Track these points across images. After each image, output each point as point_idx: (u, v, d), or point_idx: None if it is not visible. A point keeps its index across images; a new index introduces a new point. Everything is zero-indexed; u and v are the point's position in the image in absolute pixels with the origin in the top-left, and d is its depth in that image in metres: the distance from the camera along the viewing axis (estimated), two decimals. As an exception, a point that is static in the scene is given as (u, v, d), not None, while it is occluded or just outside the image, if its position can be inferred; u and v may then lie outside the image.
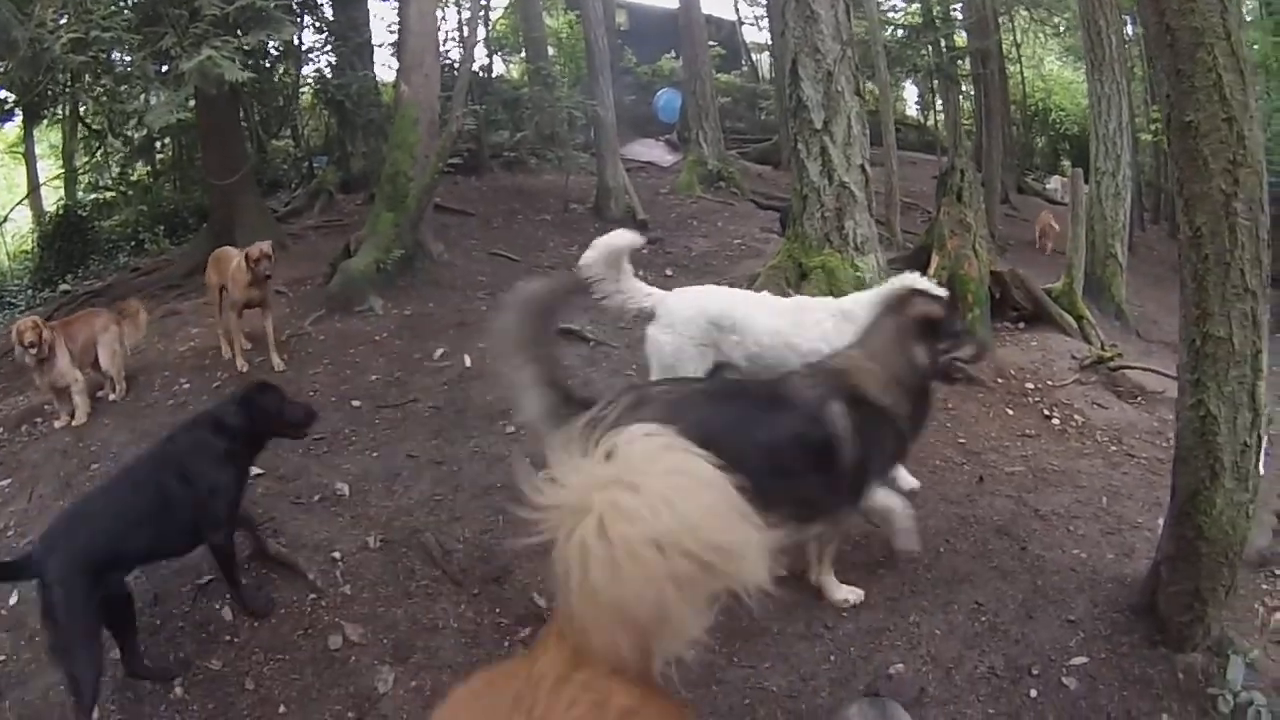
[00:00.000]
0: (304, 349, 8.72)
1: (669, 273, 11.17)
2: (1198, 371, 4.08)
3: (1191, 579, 4.27)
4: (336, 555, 5.44)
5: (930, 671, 4.31)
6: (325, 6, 16.24)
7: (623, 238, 5.59)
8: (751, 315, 5.55)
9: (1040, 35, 29.26)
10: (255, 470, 6.25)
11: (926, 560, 5.09)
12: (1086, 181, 12.62)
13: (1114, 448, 7.07)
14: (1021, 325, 9.33)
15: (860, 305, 5.31)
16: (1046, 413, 7.57)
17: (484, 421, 6.97)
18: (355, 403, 7.49)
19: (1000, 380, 7.94)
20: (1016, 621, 4.62)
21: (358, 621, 4.94)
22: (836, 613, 4.69)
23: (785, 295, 8.13)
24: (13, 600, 5.48)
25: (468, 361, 8.09)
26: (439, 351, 8.40)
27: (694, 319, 5.55)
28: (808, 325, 5.45)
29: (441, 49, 15.29)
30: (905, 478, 5.74)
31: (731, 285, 9.37)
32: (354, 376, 8.01)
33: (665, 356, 5.57)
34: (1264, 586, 5.27)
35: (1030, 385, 7.98)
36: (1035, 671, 4.31)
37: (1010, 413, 7.44)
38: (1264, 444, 4.18)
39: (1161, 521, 4.65)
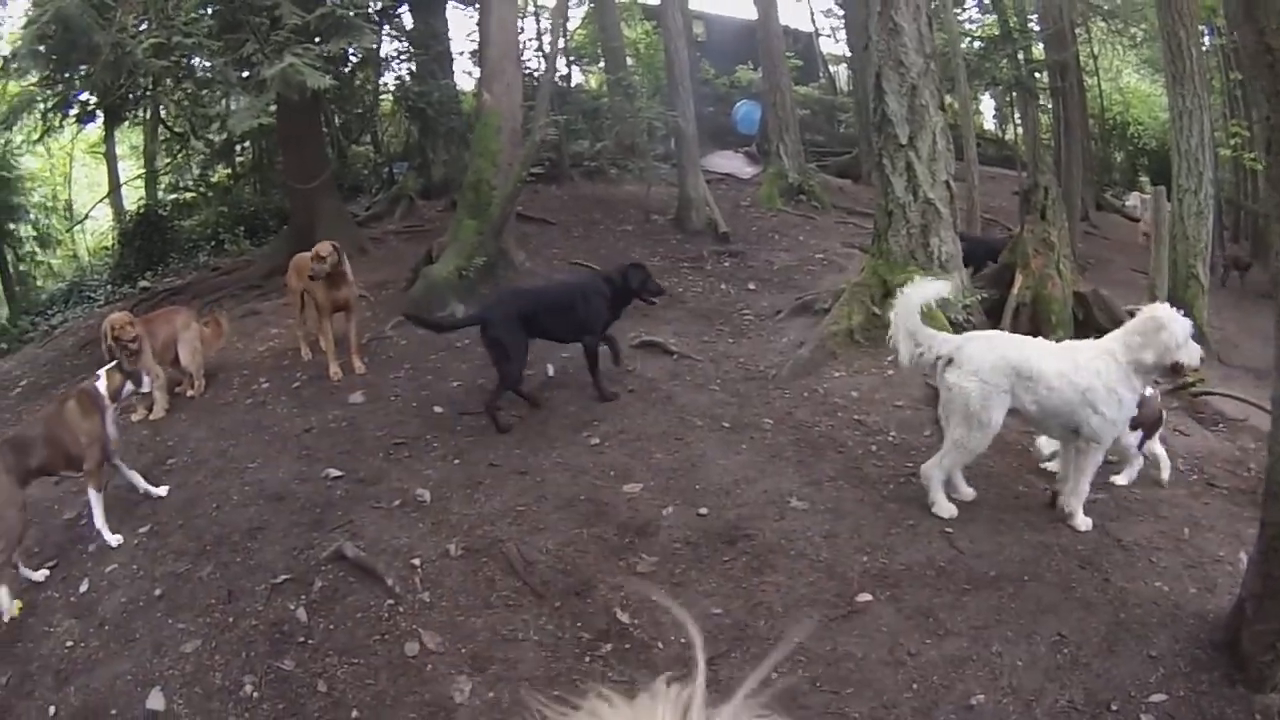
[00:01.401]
0: (385, 353, 8.87)
1: (751, 286, 11.16)
2: None
3: (1276, 618, 4.18)
4: (416, 562, 5.49)
5: (1011, 704, 4.26)
6: (403, 16, 16.45)
7: (929, 289, 5.76)
8: (1042, 360, 5.59)
9: (1118, 47, 28.73)
10: (335, 472, 6.46)
11: (1011, 589, 5.04)
12: (1168, 199, 12.41)
13: (1195, 477, 6.89)
14: (1104, 348, 9.17)
15: (1119, 342, 5.53)
16: (1128, 441, 7.46)
17: (567, 432, 7.03)
18: (437, 409, 7.59)
19: (1082, 404, 7.85)
20: (1099, 655, 4.55)
21: (436, 629, 4.98)
22: (920, 639, 4.66)
23: (872, 312, 8.11)
24: (83, 588, 5.66)
25: (550, 371, 8.19)
26: (522, 362, 8.44)
27: (1000, 366, 5.56)
28: (1083, 365, 5.51)
29: (521, 58, 15.41)
30: None
31: (815, 300, 9.41)
32: (435, 382, 8.13)
33: (973, 403, 5.56)
34: None
35: (1112, 411, 7.85)
36: (1114, 707, 4.23)
37: (1091, 438, 7.32)
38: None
39: (1244, 556, 4.62)
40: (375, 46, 15.86)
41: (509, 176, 10.82)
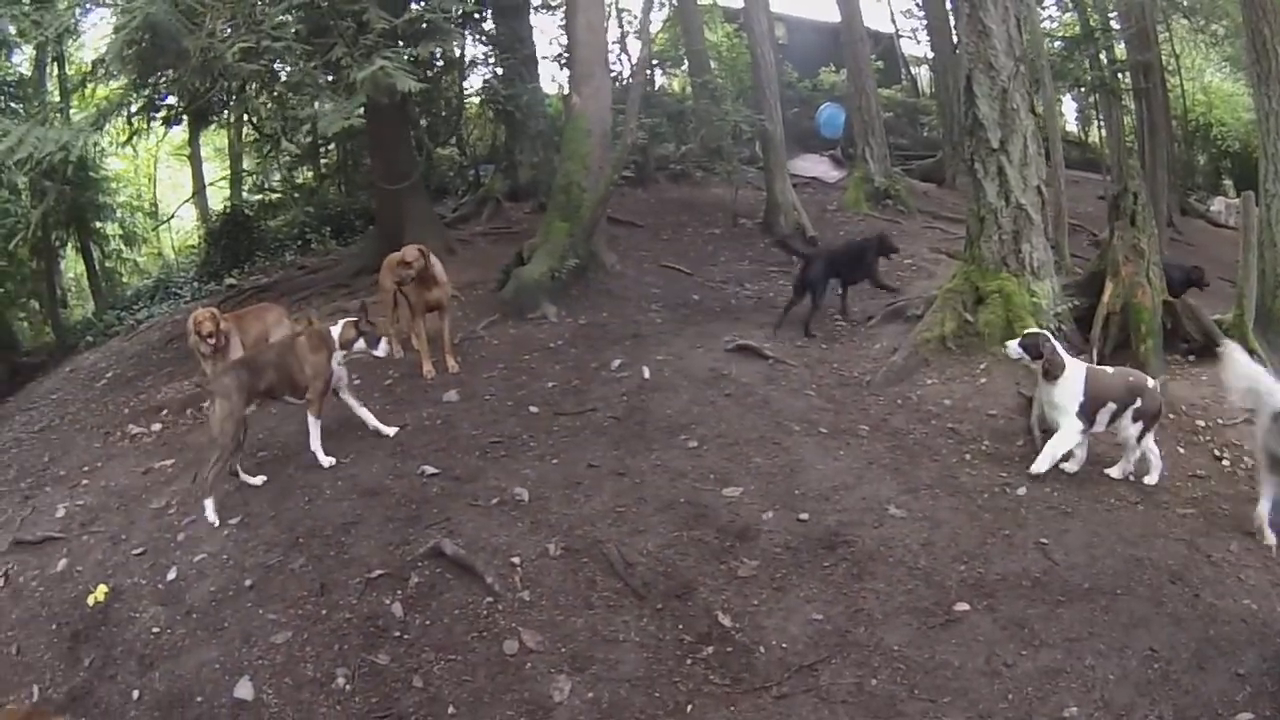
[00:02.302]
0: (477, 353, 9.03)
1: (839, 292, 11.18)
2: None
3: None
4: (515, 560, 5.59)
5: (1102, 717, 4.29)
6: (486, 20, 16.66)
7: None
8: None
9: (1199, 45, 28.07)
10: (430, 470, 6.60)
11: (1104, 602, 5.06)
12: (1256, 204, 12.16)
13: (1285, 495, 6.89)
14: (1192, 358, 8.99)
15: None
16: (1217, 453, 7.33)
17: (665, 435, 7.09)
18: (532, 409, 7.70)
19: (1172, 416, 7.72)
20: (1188, 671, 4.56)
21: (535, 628, 5.07)
22: (1016, 650, 4.71)
23: (964, 319, 8.26)
24: (171, 575, 5.84)
25: (646, 373, 8.23)
26: (616, 362, 8.56)
27: None
28: None
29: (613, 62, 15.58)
30: None
31: (907, 306, 9.55)
32: (529, 382, 8.25)
33: None
34: None
35: (1200, 423, 7.75)
36: (1202, 724, 4.22)
37: (1181, 451, 7.25)
38: None
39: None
40: (460, 51, 16.14)
41: (599, 179, 11.00)
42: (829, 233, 14.96)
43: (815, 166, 20.98)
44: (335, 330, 7.02)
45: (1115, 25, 22.38)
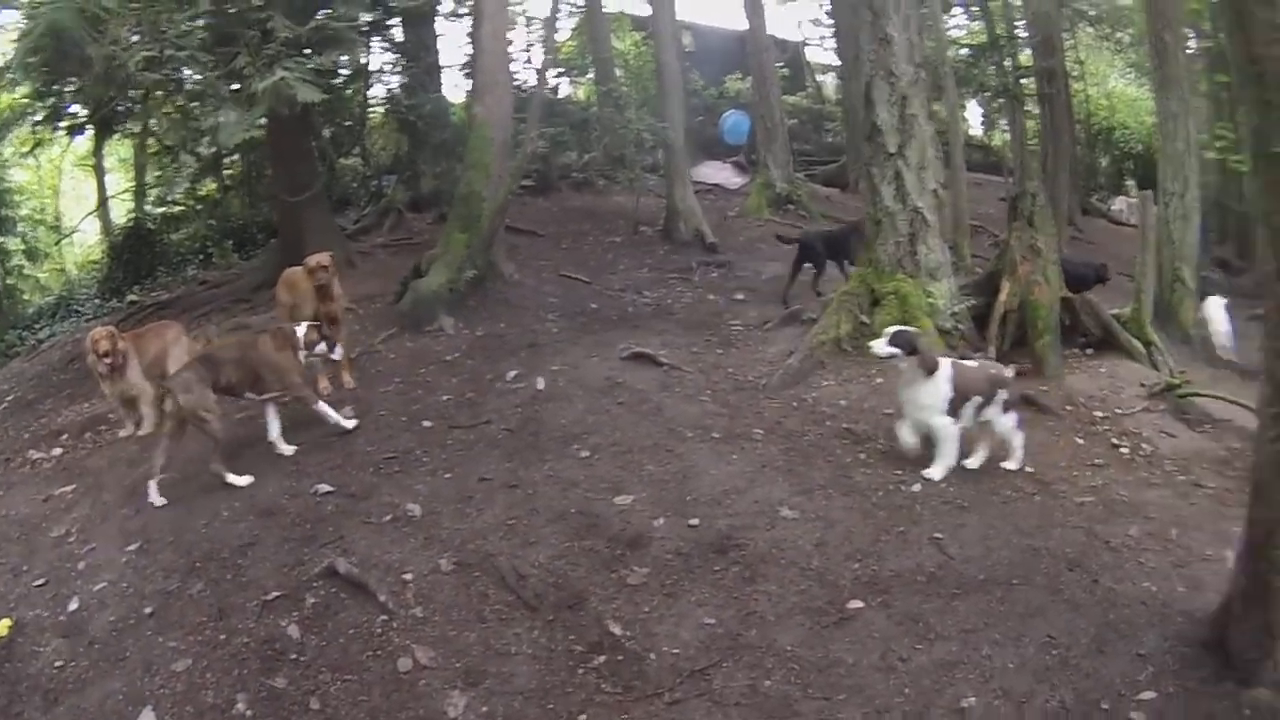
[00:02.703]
0: (374, 367, 8.87)
1: (739, 296, 11.22)
2: (1279, 406, 4.03)
3: (1262, 615, 4.23)
4: (408, 577, 5.48)
5: (1001, 705, 4.30)
6: (395, 28, 16.47)
7: None
8: None
9: (1104, 52, 28.89)
10: (325, 488, 6.47)
11: (1000, 593, 5.09)
12: (1155, 203, 12.46)
13: (1182, 478, 6.98)
14: (1090, 352, 9.22)
15: None
16: (1115, 441, 7.48)
17: (558, 445, 7.02)
18: (426, 423, 7.57)
19: (1069, 408, 7.88)
20: (1087, 655, 4.60)
21: (428, 644, 4.98)
22: (911, 644, 4.70)
23: (860, 321, 8.32)
24: (73, 605, 5.65)
25: (541, 384, 8.14)
26: (512, 373, 8.47)
27: None
28: None
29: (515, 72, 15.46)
30: None
31: (803, 309, 9.54)
32: (425, 396, 8.12)
33: None
34: None
35: (1099, 413, 7.89)
36: (1105, 706, 4.28)
37: (1080, 441, 7.37)
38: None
39: (1230, 554, 4.65)
40: (366, 60, 15.93)
41: (499, 188, 10.87)
42: (729, 239, 15.12)
43: (718, 173, 21.29)
44: (300, 330, 7.29)
45: (1022, 33, 22.93)
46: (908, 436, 6.59)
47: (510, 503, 6.21)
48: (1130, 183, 24.60)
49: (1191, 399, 8.28)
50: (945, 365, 6.53)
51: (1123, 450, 7.37)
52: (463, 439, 7.25)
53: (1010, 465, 6.65)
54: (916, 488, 6.30)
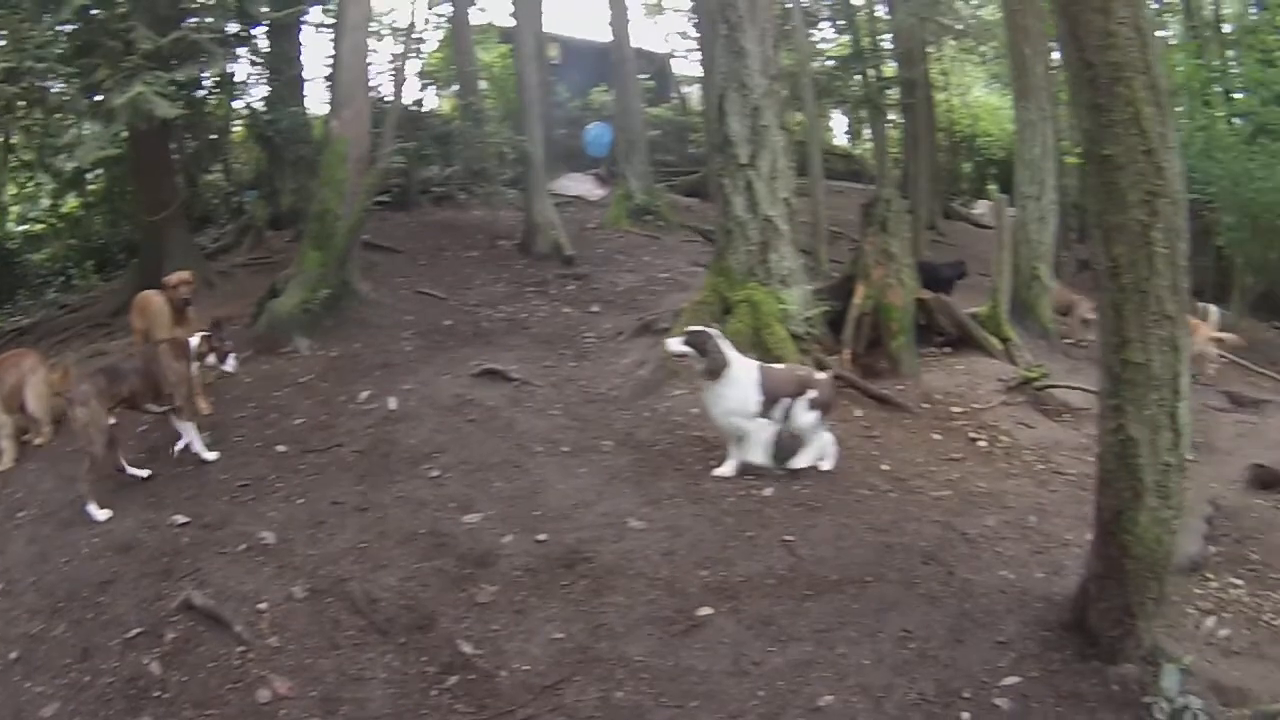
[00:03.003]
0: (229, 391, 8.56)
1: (595, 308, 11.21)
2: (1117, 396, 4.17)
3: (1120, 595, 4.35)
4: (263, 606, 5.33)
5: (860, 701, 4.31)
6: (260, 38, 16.10)
7: None
8: None
9: (968, 63, 29.86)
10: (181, 519, 6.25)
11: (853, 591, 5.12)
12: (1012, 206, 12.86)
13: (1041, 466, 7.22)
14: (948, 350, 9.50)
15: None
16: (973, 435, 7.69)
17: (408, 466, 6.90)
18: (280, 447, 7.35)
19: (926, 406, 8.08)
20: (946, 646, 4.65)
21: (285, 674, 4.84)
22: (763, 647, 4.70)
23: (710, 328, 8.29)
24: None
25: (392, 404, 7.98)
26: (364, 394, 8.27)
27: None
28: None
29: (374, 84, 15.25)
30: None
31: (656, 320, 9.52)
32: (279, 420, 7.89)
33: None
34: (1197, 591, 5.44)
35: (957, 409, 8.10)
36: (967, 694, 4.33)
37: (937, 437, 7.53)
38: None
39: (1089, 538, 4.72)
40: (231, 72, 15.54)
41: (354, 206, 10.67)
42: (587, 251, 15.06)
43: (580, 185, 21.19)
44: (194, 341, 7.16)
45: (888, 45, 23.51)
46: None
47: (361, 526, 6.08)
48: (993, 187, 25.38)
49: (1049, 390, 8.60)
50: (750, 368, 6.62)
51: (981, 443, 7.58)
52: (316, 463, 7.08)
53: (798, 462, 6.68)
54: (768, 492, 6.35)
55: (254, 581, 5.57)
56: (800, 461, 6.68)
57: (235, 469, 7.07)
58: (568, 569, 5.49)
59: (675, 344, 6.62)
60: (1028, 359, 9.72)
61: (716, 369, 6.43)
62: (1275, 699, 4.40)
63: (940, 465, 6.99)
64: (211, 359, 7.21)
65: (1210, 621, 5.08)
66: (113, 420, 6.79)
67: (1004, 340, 9.83)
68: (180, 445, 7.16)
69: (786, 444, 6.75)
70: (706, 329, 6.79)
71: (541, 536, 5.82)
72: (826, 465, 6.71)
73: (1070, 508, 6.14)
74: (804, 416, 6.61)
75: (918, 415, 7.89)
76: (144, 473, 6.98)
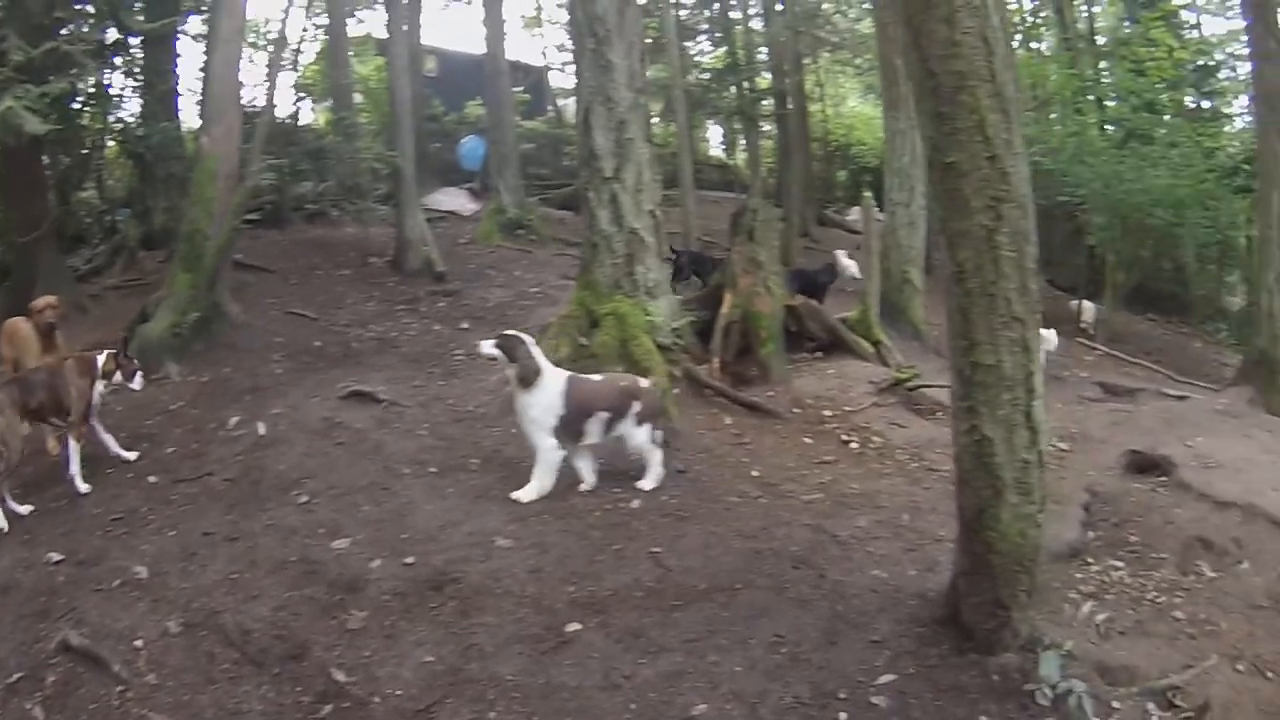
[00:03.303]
0: (102, 421, 8.36)
1: (465, 325, 11.17)
2: (970, 399, 4.27)
3: (990, 589, 4.46)
4: (139, 643, 5.17)
5: (734, 708, 4.35)
6: (135, 49, 15.57)
7: None
8: None
9: (842, 74, 30.57)
10: (56, 556, 6.05)
11: (723, 599, 5.18)
12: (882, 212, 13.25)
13: (914, 464, 7.41)
14: (819, 355, 9.68)
15: None
16: (845, 437, 7.85)
17: (278, 493, 6.76)
18: (152, 478, 7.17)
19: (797, 411, 8.22)
20: (819, 649, 4.72)
21: (164, 711, 4.71)
22: (634, 660, 4.72)
23: (579, 343, 8.42)
24: None
25: (262, 430, 7.79)
26: (234, 419, 8.09)
27: None
28: None
29: (249, 98, 15.00)
30: None
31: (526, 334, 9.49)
32: (151, 449, 7.70)
33: None
34: (1077, 575, 5.58)
35: (828, 412, 8.26)
36: (843, 695, 4.39)
37: (808, 441, 7.68)
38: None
39: (961, 533, 4.86)
40: (107, 84, 15.07)
41: (223, 226, 10.47)
42: (459, 266, 15.07)
43: (453, 200, 21.13)
44: (100, 359, 7.27)
45: (764, 58, 23.93)
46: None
47: (232, 556, 5.95)
48: (869, 194, 26.04)
49: (921, 390, 8.80)
50: (558, 378, 6.49)
51: (853, 445, 7.75)
52: (186, 492, 6.91)
53: (645, 485, 6.62)
54: (635, 504, 6.38)
55: (129, 618, 5.41)
56: (648, 482, 6.62)
57: (108, 502, 6.88)
58: (436, 591, 5.44)
59: (486, 346, 6.51)
60: (899, 360, 9.92)
61: (528, 376, 6.36)
62: (1163, 675, 4.51)
63: (812, 469, 7.10)
64: (118, 376, 7.31)
65: (1088, 607, 5.18)
66: (27, 430, 6.93)
67: (875, 343, 10.03)
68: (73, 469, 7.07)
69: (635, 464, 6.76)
70: (520, 334, 6.68)
71: (409, 559, 5.75)
72: (648, 484, 6.63)
73: (944, 504, 6.16)
74: (634, 432, 6.54)
75: (788, 420, 8.02)
76: (25, 508, 6.82)
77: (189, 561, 5.93)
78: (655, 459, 6.66)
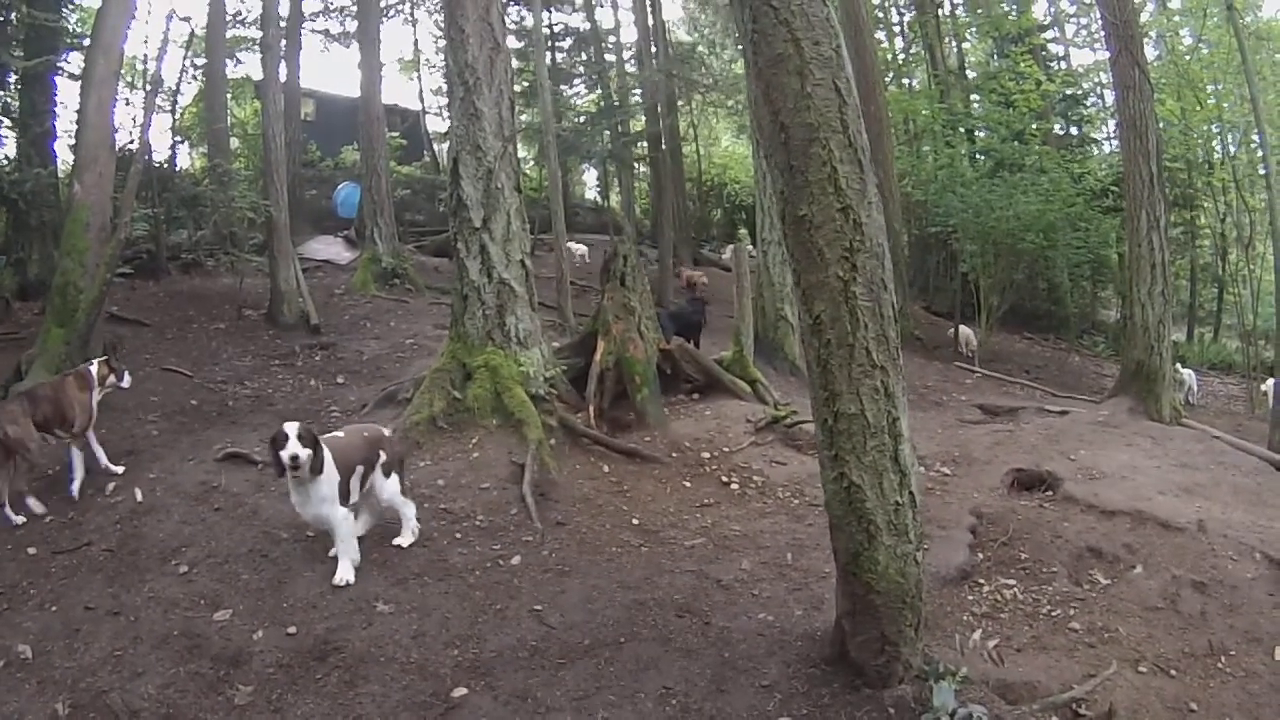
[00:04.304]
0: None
1: (340, 380, 11.09)
2: (835, 447, 4.39)
3: (875, 627, 4.57)
4: (29, 728, 4.99)
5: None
6: (9, 89, 15.07)
7: None
8: None
9: (715, 115, 31.12)
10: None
11: (608, 654, 5.19)
12: (754, 250, 13.53)
13: (796, 501, 7.54)
14: (696, 397, 9.83)
15: None
16: (725, 479, 7.96)
17: (158, 563, 6.54)
18: (31, 550, 6.88)
19: (676, 454, 8.31)
20: (709, 698, 4.74)
21: (58, 798, 4.52)
22: (524, 720, 4.70)
23: (453, 396, 8.39)
24: None
25: (139, 495, 7.56)
26: (110, 485, 7.83)
27: None
28: None
29: (125, 141, 14.50)
30: None
31: (399, 389, 9.54)
32: (28, 521, 7.33)
33: None
34: (969, 598, 5.79)
35: (707, 454, 8.38)
36: (736, 743, 4.41)
37: (688, 485, 7.77)
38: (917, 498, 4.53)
39: (843, 574, 4.95)
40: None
41: (95, 278, 10.23)
42: (334, 318, 14.97)
43: (329, 248, 20.93)
44: (93, 369, 7.99)
45: (639, 100, 24.23)
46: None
47: (116, 631, 5.74)
48: (744, 232, 26.54)
49: (800, 426, 8.94)
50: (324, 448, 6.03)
51: (733, 485, 7.87)
52: (66, 564, 6.66)
53: (403, 541, 6.51)
54: (515, 560, 6.36)
55: (16, 701, 5.20)
56: (404, 539, 6.52)
57: (-12, 575, 6.61)
58: (320, 661, 5.32)
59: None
60: (776, 398, 10.13)
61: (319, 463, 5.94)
62: (1065, 687, 4.70)
63: (693, 513, 7.18)
64: (111, 379, 8.07)
65: (977, 635, 5.34)
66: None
67: (752, 382, 10.25)
68: (76, 485, 7.63)
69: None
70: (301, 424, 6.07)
71: (291, 629, 5.60)
72: (405, 540, 6.51)
73: (826, 540, 5.96)
74: (384, 484, 6.37)
75: (667, 465, 8.10)
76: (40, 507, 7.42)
77: (73, 638, 5.72)
78: (409, 512, 6.56)
